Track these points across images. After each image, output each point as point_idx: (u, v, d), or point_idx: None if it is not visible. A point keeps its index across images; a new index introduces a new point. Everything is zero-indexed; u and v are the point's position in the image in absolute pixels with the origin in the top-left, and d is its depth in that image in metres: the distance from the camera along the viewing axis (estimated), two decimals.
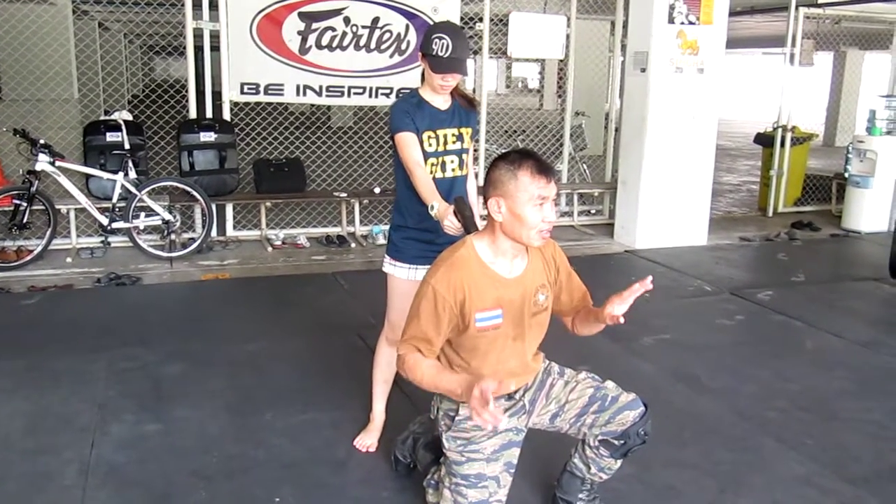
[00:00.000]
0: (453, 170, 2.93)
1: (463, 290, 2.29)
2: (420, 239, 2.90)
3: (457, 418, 2.42)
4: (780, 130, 8.39)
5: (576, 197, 7.82)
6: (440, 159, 2.88)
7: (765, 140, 8.66)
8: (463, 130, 2.94)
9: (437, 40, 2.71)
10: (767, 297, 5.39)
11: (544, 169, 2.25)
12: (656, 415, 3.56)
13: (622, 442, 2.53)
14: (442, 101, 2.89)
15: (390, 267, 2.99)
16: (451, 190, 2.90)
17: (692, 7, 6.52)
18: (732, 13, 7.07)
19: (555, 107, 15.97)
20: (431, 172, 2.84)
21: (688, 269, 6.10)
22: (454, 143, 2.90)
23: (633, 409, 2.52)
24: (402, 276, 2.96)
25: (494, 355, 2.42)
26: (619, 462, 2.62)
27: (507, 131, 8.61)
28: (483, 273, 2.33)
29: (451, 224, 2.60)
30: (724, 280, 5.85)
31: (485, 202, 2.33)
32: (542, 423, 2.60)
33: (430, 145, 2.84)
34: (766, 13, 10.90)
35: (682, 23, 6.52)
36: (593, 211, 8.04)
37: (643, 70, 6.61)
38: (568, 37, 7.42)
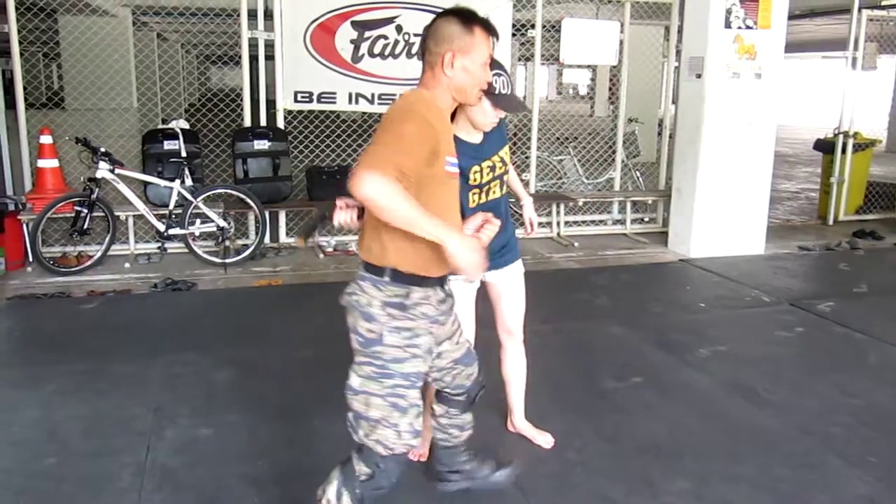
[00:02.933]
0: (494, 192, 2.87)
1: (441, 131, 2.18)
2: None
3: (406, 303, 2.20)
4: (841, 136, 8.15)
5: (629, 204, 7.71)
6: (486, 188, 2.82)
7: (825, 146, 8.43)
8: (501, 153, 2.87)
9: (496, 77, 2.62)
10: (828, 308, 5.23)
11: (493, 30, 2.29)
12: (712, 428, 3.51)
13: (465, 395, 2.60)
14: (476, 136, 2.80)
15: None
16: (496, 213, 2.72)
17: (749, 11, 6.38)
18: (791, 16, 6.91)
19: (606, 113, 15.83)
20: (475, 201, 2.79)
21: (745, 279, 5.96)
22: (501, 169, 2.85)
23: (474, 362, 2.60)
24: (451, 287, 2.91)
25: (449, 208, 2.28)
26: (470, 414, 2.68)
27: (558, 138, 8.55)
28: (447, 120, 2.29)
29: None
30: (783, 290, 5.70)
31: (431, 55, 2.23)
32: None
33: (475, 180, 2.77)
34: (826, 16, 10.64)
35: (739, 27, 6.39)
36: (646, 219, 7.92)
37: (699, 76, 6.49)
38: (621, 42, 7.33)
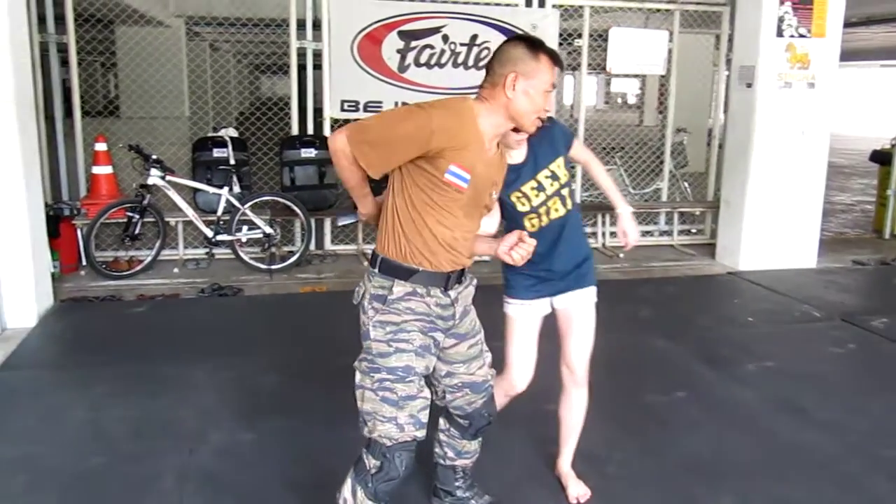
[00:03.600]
0: (556, 210, 2.66)
1: (453, 140, 2.17)
2: (532, 274, 2.72)
3: (390, 297, 2.26)
4: None
5: (676, 216, 7.61)
6: (542, 209, 2.65)
7: (882, 157, 8.20)
8: (553, 167, 2.64)
9: None
10: (882, 324, 5.07)
11: (558, 60, 2.31)
12: (758, 445, 3.43)
13: (468, 423, 2.59)
14: (517, 155, 2.61)
15: (505, 305, 2.82)
16: (562, 233, 2.68)
17: (803, 19, 6.26)
18: (847, 24, 6.74)
19: (655, 122, 15.64)
20: (534, 226, 2.63)
21: (795, 293, 5.82)
22: (553, 185, 2.63)
23: (482, 394, 2.56)
24: (513, 312, 2.79)
25: (444, 217, 2.27)
26: (475, 443, 2.68)
27: (604, 147, 8.47)
28: (476, 137, 2.24)
29: None
30: (835, 305, 5.55)
31: (494, 76, 2.26)
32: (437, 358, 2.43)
33: (523, 205, 2.63)
34: (884, 24, 10.36)
35: (792, 36, 6.27)
36: (694, 230, 7.80)
37: (749, 85, 6.38)
38: (670, 51, 7.25)
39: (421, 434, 2.29)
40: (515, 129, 2.35)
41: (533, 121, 2.30)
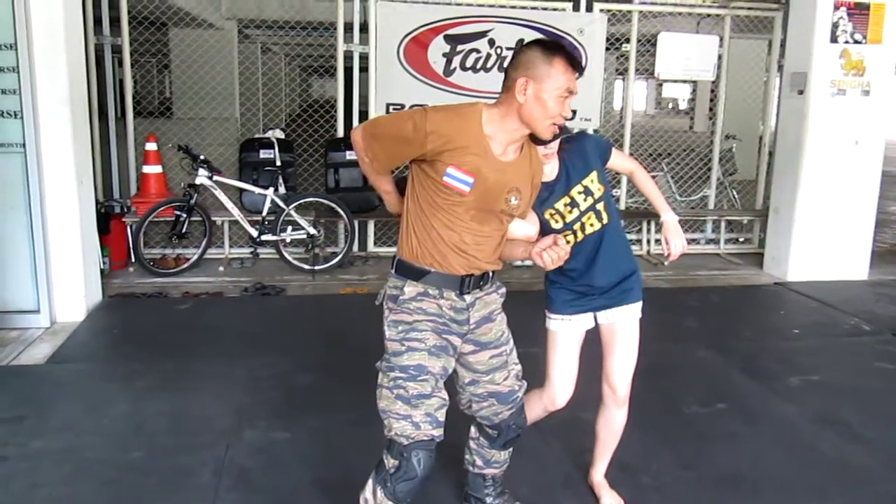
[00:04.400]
0: (591, 225, 2.61)
1: (449, 142, 2.18)
2: (573, 289, 2.69)
3: (401, 297, 2.32)
4: None
5: (723, 224, 7.48)
6: (575, 226, 2.60)
7: None
8: (585, 182, 2.59)
9: None
10: None
11: (576, 64, 2.24)
12: (798, 461, 3.34)
13: (496, 433, 2.58)
14: (549, 171, 2.54)
15: (547, 320, 2.77)
16: (599, 248, 2.62)
17: (858, 25, 6.10)
18: None
19: (706, 128, 15.39)
20: (569, 242, 2.56)
21: (844, 306, 5.67)
22: (587, 201, 2.58)
23: (509, 405, 2.54)
24: (554, 327, 2.74)
25: (450, 220, 2.26)
26: (505, 454, 2.67)
27: (651, 154, 8.37)
28: (477, 140, 2.21)
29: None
30: (886, 319, 5.38)
31: (508, 80, 2.23)
32: (457, 362, 2.44)
33: (556, 223, 2.59)
34: None
35: (847, 42, 6.11)
36: (741, 239, 7.65)
37: (801, 92, 6.24)
38: (720, 57, 7.13)
39: (438, 433, 2.28)
40: (536, 139, 2.31)
41: (547, 127, 2.23)
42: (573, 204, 2.57)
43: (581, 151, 2.60)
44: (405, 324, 2.31)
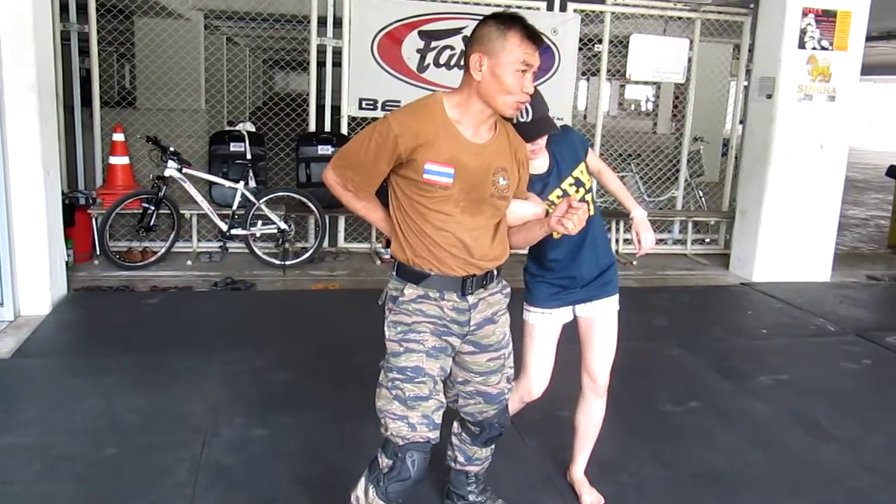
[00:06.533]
0: None
1: (418, 137, 2.13)
2: (554, 282, 2.70)
3: (400, 298, 2.28)
4: None
5: (690, 225, 7.58)
6: None
7: None
8: (576, 174, 2.61)
9: None
10: None
11: (534, 35, 2.14)
12: (772, 459, 3.40)
13: (479, 430, 2.57)
14: (539, 165, 2.57)
15: (525, 313, 2.77)
16: (585, 238, 2.61)
17: (825, 32, 6.23)
18: (869, 38, 6.70)
19: (669, 130, 15.60)
20: (558, 234, 2.42)
21: (809, 307, 5.79)
22: (576, 193, 2.58)
23: (495, 405, 2.53)
24: (533, 320, 2.74)
25: (441, 220, 2.22)
26: (486, 451, 2.67)
27: (620, 154, 8.45)
28: (445, 127, 2.16)
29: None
30: (850, 320, 5.51)
31: (466, 58, 2.18)
32: (453, 360, 2.41)
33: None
34: None
35: (814, 48, 6.24)
36: (708, 240, 7.77)
37: (769, 96, 6.35)
38: (690, 60, 7.22)
39: (434, 435, 2.26)
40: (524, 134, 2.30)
41: (508, 103, 2.16)
42: (565, 195, 2.57)
43: (570, 143, 2.64)
44: (404, 325, 2.27)
